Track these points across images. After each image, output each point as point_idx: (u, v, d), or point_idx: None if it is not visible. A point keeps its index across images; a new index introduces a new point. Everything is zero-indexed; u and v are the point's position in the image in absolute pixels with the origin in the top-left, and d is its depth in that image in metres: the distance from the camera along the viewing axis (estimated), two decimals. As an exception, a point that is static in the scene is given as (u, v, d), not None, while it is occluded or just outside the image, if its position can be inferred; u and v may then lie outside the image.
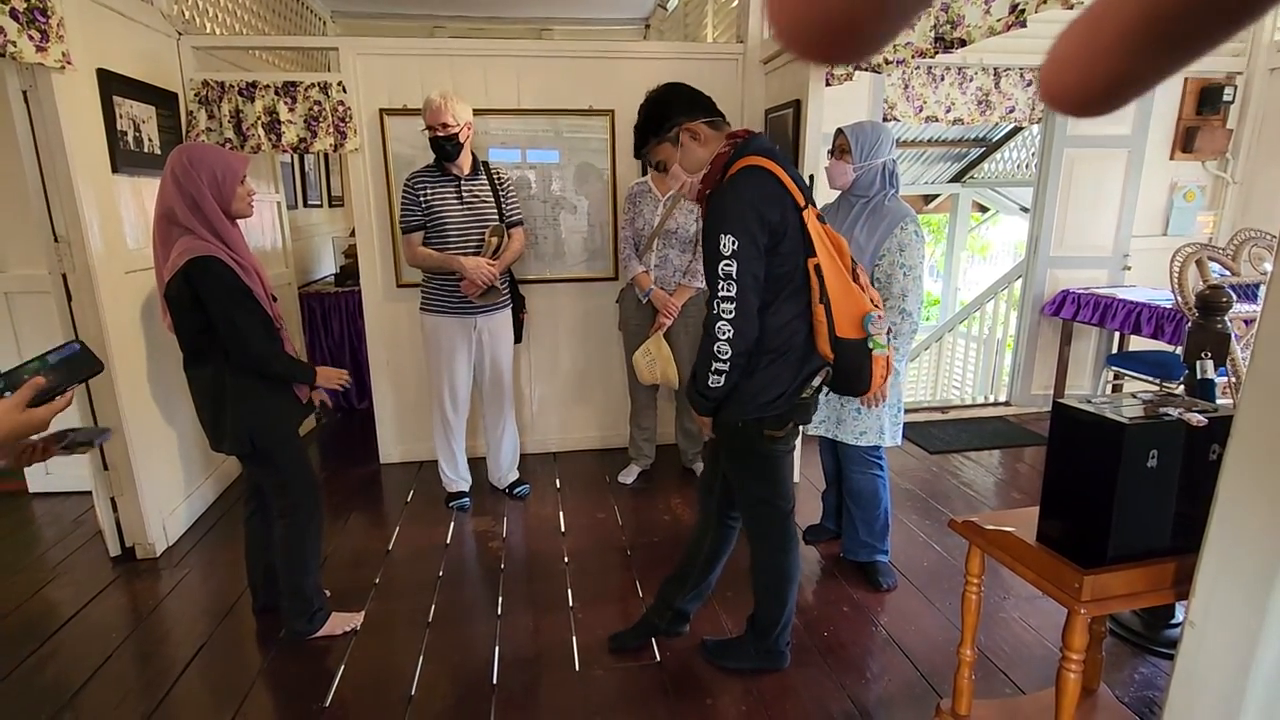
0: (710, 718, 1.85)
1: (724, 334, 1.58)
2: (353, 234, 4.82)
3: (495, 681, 2.00)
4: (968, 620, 1.55)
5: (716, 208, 1.59)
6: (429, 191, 2.73)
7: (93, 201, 2.39)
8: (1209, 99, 4.00)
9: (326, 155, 5.10)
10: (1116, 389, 4.13)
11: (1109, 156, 3.92)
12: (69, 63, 2.22)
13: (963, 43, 1.93)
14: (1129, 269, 4.09)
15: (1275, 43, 3.92)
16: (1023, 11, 1.67)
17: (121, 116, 2.56)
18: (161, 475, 2.77)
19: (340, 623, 2.23)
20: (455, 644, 2.17)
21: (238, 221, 1.96)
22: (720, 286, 1.56)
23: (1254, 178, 4.09)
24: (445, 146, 2.65)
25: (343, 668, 2.07)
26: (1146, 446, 1.19)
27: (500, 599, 2.41)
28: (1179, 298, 2.18)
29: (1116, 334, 4.04)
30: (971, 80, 3.79)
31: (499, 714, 1.87)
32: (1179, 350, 3.79)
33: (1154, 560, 1.24)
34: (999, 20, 1.79)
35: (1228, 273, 2.13)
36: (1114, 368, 3.90)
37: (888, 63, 2.30)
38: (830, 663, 2.05)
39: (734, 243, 1.54)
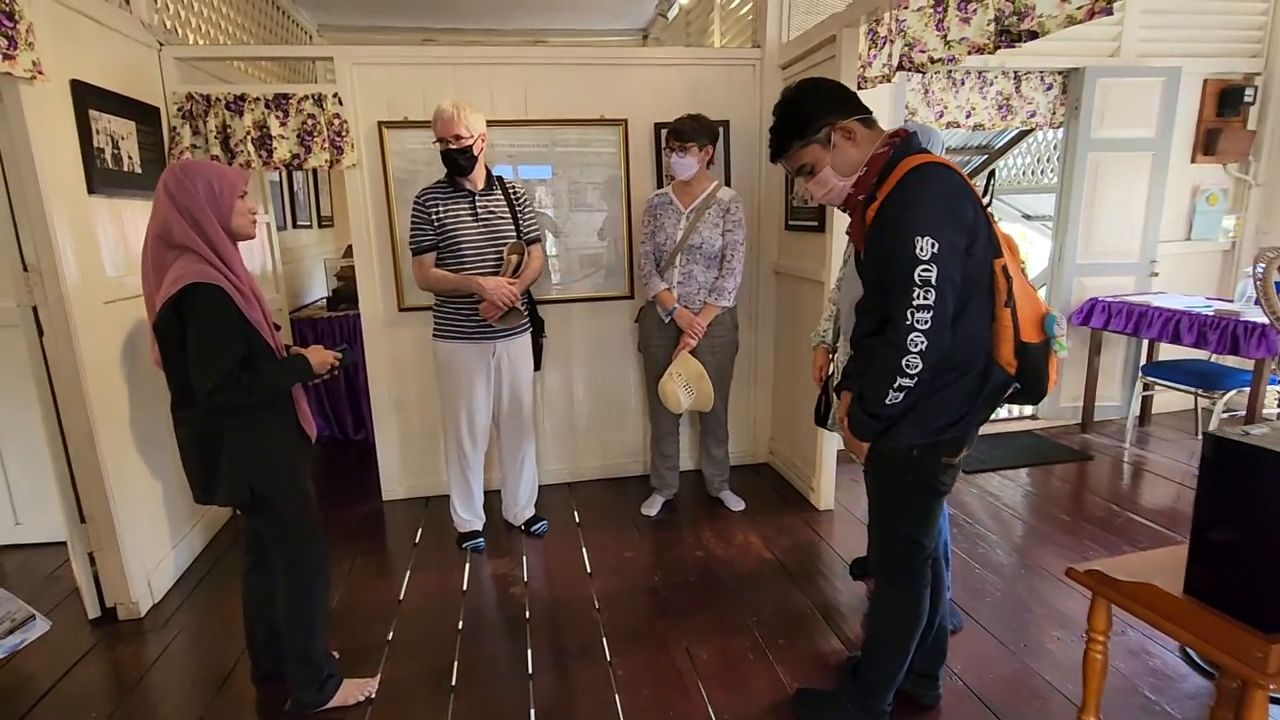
0: (785, 795, 1.63)
1: (917, 346, 1.39)
2: (346, 255, 4.60)
3: (535, 757, 1.77)
4: (1091, 684, 1.35)
5: (902, 208, 1.41)
6: (441, 209, 2.53)
7: (66, 226, 2.16)
8: (1229, 100, 3.91)
9: (316, 173, 4.87)
10: (1147, 400, 4.00)
11: (1133, 160, 3.81)
12: (40, 72, 2.00)
13: (1033, 35, 1.77)
14: (1156, 275, 3.97)
15: (1294, 42, 3.85)
16: (1115, -5, 1.51)
17: (98, 132, 2.33)
18: (145, 525, 2.51)
19: (354, 690, 1.99)
20: (485, 711, 1.94)
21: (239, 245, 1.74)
22: (915, 294, 1.38)
23: (1276, 179, 3.99)
24: (458, 160, 2.45)
25: (359, 746, 1.83)
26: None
27: (529, 654, 2.18)
28: (1265, 306, 2.02)
29: (1145, 343, 3.91)
30: (992, 84, 3.67)
31: (543, 799, 1.64)
32: (1213, 358, 3.67)
33: (1343, 620, 1.05)
34: (1079, 7, 1.62)
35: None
36: (1149, 377, 3.76)
37: (934, 61, 2.14)
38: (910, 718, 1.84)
39: (934, 245, 1.36)
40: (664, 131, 3.12)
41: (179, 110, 2.80)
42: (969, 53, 2.00)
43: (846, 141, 1.50)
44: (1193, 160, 4.00)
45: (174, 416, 1.76)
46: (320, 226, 4.91)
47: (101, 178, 2.33)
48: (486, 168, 2.61)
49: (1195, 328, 3.29)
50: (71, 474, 2.29)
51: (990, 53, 1.93)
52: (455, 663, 2.15)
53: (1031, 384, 1.55)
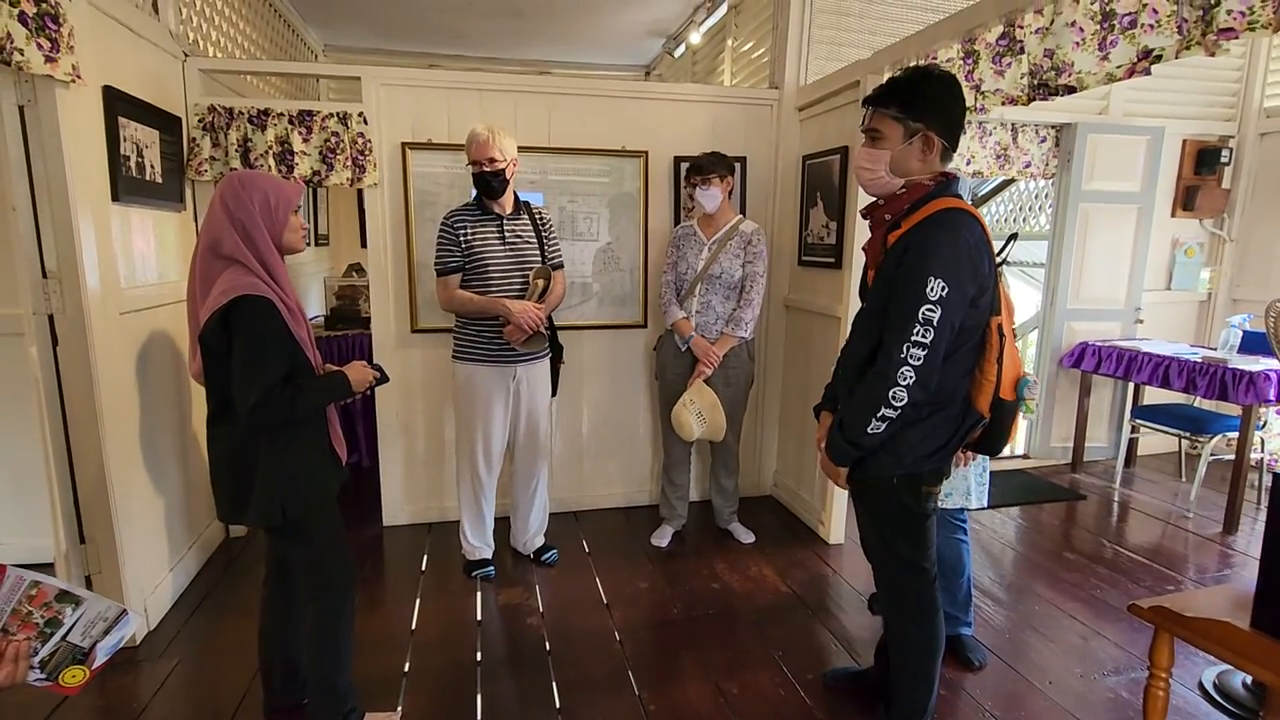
0: (835, 835, 1.60)
1: (905, 380, 1.45)
2: (346, 274, 4.54)
3: (574, 797, 1.71)
4: None
5: (925, 247, 1.46)
6: (470, 231, 2.52)
7: (90, 232, 2.09)
8: (1206, 160, 4.14)
9: (316, 192, 4.82)
10: (1133, 442, 4.13)
11: (1120, 212, 4.00)
12: (78, 77, 1.96)
13: (1070, 90, 1.86)
14: (1141, 322, 4.14)
15: (1264, 109, 4.11)
16: (1158, 58, 1.61)
17: (125, 140, 2.28)
18: (145, 545, 2.39)
19: (376, 725, 1.90)
20: (515, 748, 1.87)
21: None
22: (915, 331, 1.44)
23: (1248, 235, 4.23)
24: (491, 183, 2.45)
25: (386, 784, 1.74)
26: None
27: (554, 687, 2.12)
28: (1278, 353, 2.12)
29: (1132, 386, 4.05)
30: (991, 135, 3.83)
31: (589, 841, 1.58)
32: (1197, 402, 3.82)
33: None
34: (1120, 67, 1.72)
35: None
36: (1138, 420, 3.89)
37: (968, 109, 2.23)
38: (948, 759, 1.83)
39: (944, 289, 1.42)
40: (683, 165, 3.19)
41: (200, 122, 2.75)
42: (1002, 103, 2.09)
43: (921, 150, 1.53)
44: (1173, 214, 4.22)
45: (209, 432, 1.70)
46: (317, 245, 4.84)
47: (126, 186, 2.28)
48: (515, 193, 2.62)
49: (1184, 373, 3.43)
50: (75, 493, 2.18)
51: (1024, 104, 2.02)
52: (479, 695, 2.08)
53: (995, 436, 1.64)
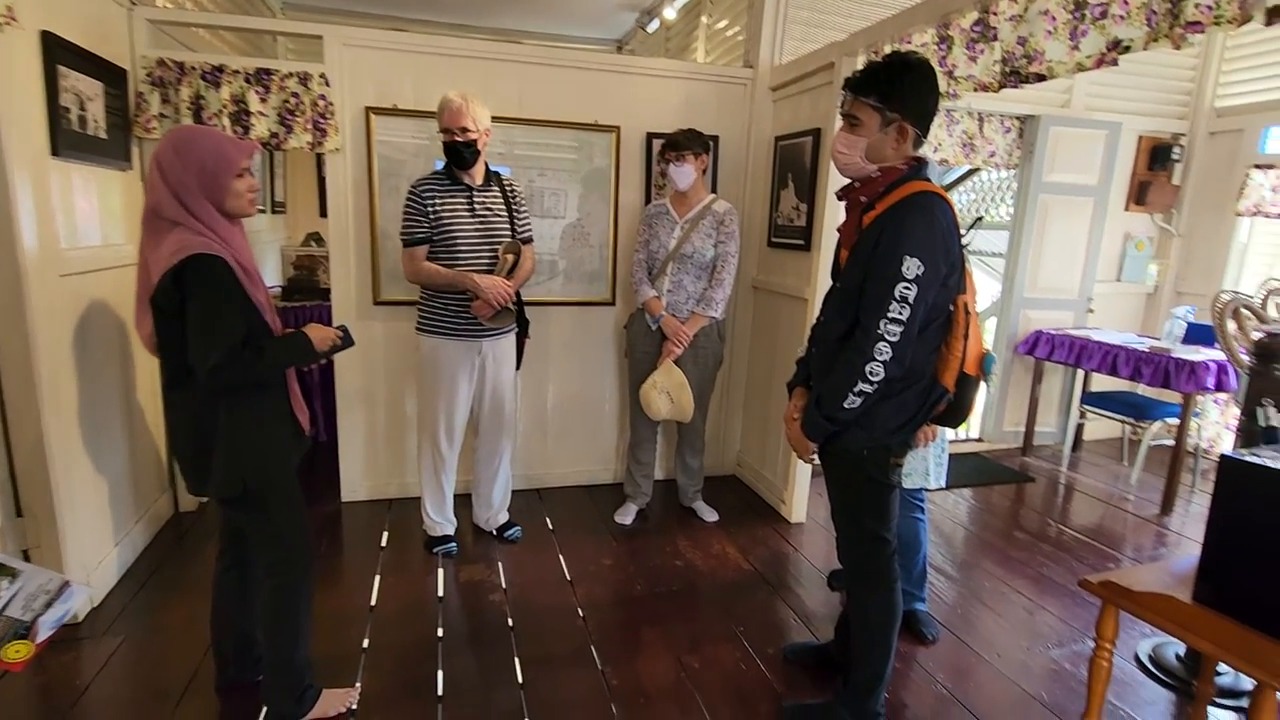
0: (793, 802, 1.64)
1: (882, 355, 1.51)
2: (305, 243, 4.39)
3: (536, 770, 1.71)
4: (1096, 689, 1.43)
5: (901, 228, 1.50)
6: (438, 202, 2.45)
7: (28, 190, 1.96)
8: (1159, 156, 4.28)
9: (272, 156, 4.63)
10: (1080, 428, 4.29)
11: (1077, 204, 4.11)
12: (13, 19, 1.82)
13: (1040, 78, 1.89)
14: (1093, 311, 4.28)
15: (1214, 109, 4.26)
16: (1127, 49, 1.64)
17: (65, 91, 2.14)
18: (88, 520, 2.29)
19: (334, 701, 1.87)
20: (477, 723, 1.86)
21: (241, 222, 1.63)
22: (891, 308, 1.49)
23: (1194, 231, 4.40)
24: (463, 153, 2.38)
25: (345, 760, 1.72)
26: (1346, 507, 1.11)
27: (517, 663, 2.11)
28: (1223, 346, 2.22)
29: (1081, 374, 4.20)
30: (958, 123, 3.89)
31: (551, 812, 1.59)
32: (1141, 390, 3.98)
33: (1339, 628, 1.15)
34: (1089, 57, 1.75)
35: (1254, 319, 2.19)
36: (1087, 406, 4.04)
37: (940, 95, 2.24)
38: (902, 728, 1.89)
39: (920, 267, 1.47)
40: (656, 142, 3.15)
41: (148, 76, 2.61)
42: (974, 90, 2.11)
43: (896, 139, 1.57)
44: (1126, 208, 4.36)
45: (166, 398, 1.63)
46: (274, 212, 4.66)
47: (67, 140, 2.14)
48: (485, 164, 2.55)
49: (1132, 362, 3.57)
50: (11, 464, 2.07)
51: (995, 91, 2.04)
52: (440, 672, 2.06)
53: (958, 410, 1.70)
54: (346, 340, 1.80)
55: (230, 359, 1.50)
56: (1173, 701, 2.07)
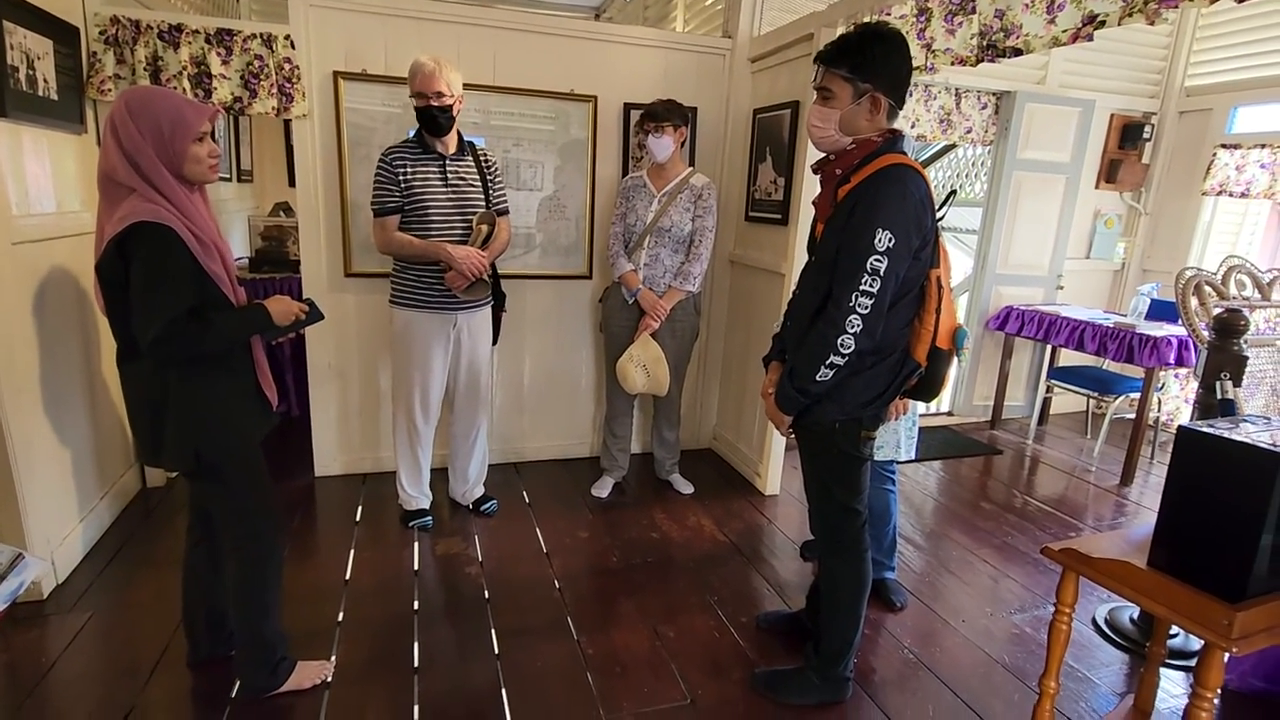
0: (763, 764, 1.68)
1: (853, 328, 1.52)
2: (273, 213, 4.27)
3: (513, 737, 1.73)
4: (1055, 651, 1.48)
5: (874, 200, 1.50)
6: (410, 170, 2.39)
7: (-26, 151, 1.87)
8: (1130, 135, 4.34)
9: (238, 122, 4.48)
10: (1047, 401, 4.39)
11: (1050, 181, 4.15)
12: (-48, -31, 1.72)
13: (1017, 52, 1.90)
14: (1062, 288, 4.36)
15: (1185, 88, 4.31)
16: (1102, 23, 1.64)
17: (12, 48, 2.04)
18: (50, 495, 2.24)
19: (309, 673, 1.87)
20: (454, 692, 1.87)
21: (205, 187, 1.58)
22: (863, 281, 1.50)
23: (1161, 209, 4.48)
24: (438, 119, 2.32)
25: (321, 731, 1.72)
26: (1294, 476, 1.15)
27: (494, 634, 2.13)
28: (1185, 321, 2.27)
29: (1049, 349, 4.29)
30: (935, 99, 3.89)
31: (527, 778, 1.61)
32: (1105, 365, 4.08)
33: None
34: (1065, 31, 1.75)
35: (1215, 295, 2.25)
36: (1054, 381, 4.13)
37: (917, 69, 2.24)
38: (870, 691, 1.95)
39: (891, 240, 1.48)
40: (634, 113, 3.11)
41: (101, 34, 2.49)
42: (951, 63, 2.11)
43: (869, 110, 1.57)
44: (1096, 186, 4.42)
45: (120, 370, 1.59)
46: (240, 181, 4.52)
47: (15, 100, 2.04)
48: (459, 132, 2.50)
49: (1097, 337, 3.65)
50: (-33, 437, 2.01)
51: (973, 65, 2.04)
52: (416, 644, 2.06)
53: (930, 384, 1.72)
54: (313, 314, 1.76)
55: (171, 331, 1.45)
56: (1126, 662, 2.16)
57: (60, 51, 2.31)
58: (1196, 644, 2.17)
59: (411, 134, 2.48)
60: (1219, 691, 1.22)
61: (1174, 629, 2.21)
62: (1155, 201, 4.49)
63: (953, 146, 6.07)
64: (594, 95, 3.11)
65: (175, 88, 2.55)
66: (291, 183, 3.80)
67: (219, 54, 2.60)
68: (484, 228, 2.45)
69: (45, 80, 2.23)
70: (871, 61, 1.54)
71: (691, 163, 3.29)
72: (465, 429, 2.79)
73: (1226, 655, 1.17)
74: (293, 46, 2.67)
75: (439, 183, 2.43)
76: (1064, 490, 3.49)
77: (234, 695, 1.81)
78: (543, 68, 3.03)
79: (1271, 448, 1.15)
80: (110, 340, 2.31)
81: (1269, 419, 1.35)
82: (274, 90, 2.68)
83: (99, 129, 2.58)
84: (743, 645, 2.13)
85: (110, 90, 2.52)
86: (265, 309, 1.65)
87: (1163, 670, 1.99)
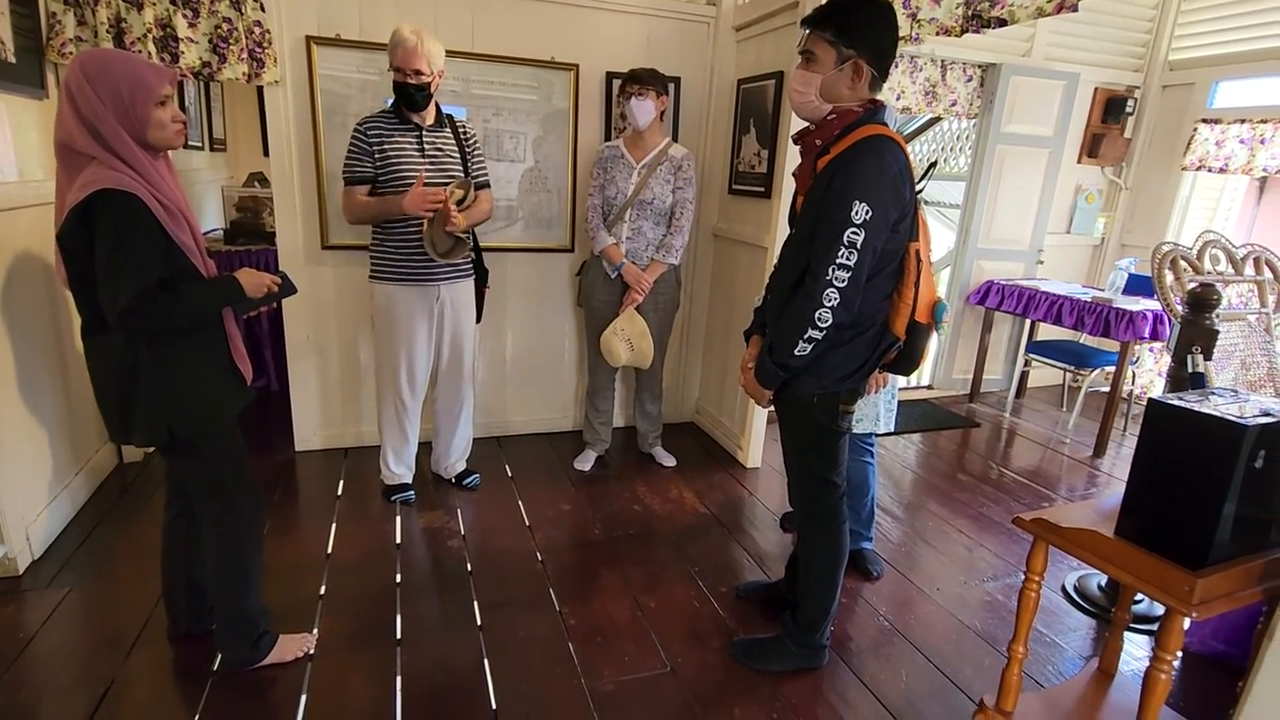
0: (741, 728, 1.72)
1: (830, 301, 1.52)
2: (248, 184, 4.18)
3: (495, 705, 1.75)
4: (1024, 618, 1.52)
5: (852, 172, 1.49)
6: (385, 141, 2.34)
7: (-72, 116, 1.80)
8: (1113, 109, 4.34)
9: (209, 88, 4.34)
10: (1025, 375, 4.46)
11: (1033, 155, 4.16)
12: (-105, -79, 1.63)
13: (1001, 23, 1.88)
14: (1042, 263, 4.39)
15: (1168, 61, 4.31)
16: (1086, -6, 1.63)
17: (-36, 7, 1.95)
18: (22, 470, 2.21)
19: (291, 646, 1.88)
20: (437, 663, 1.89)
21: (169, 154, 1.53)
22: (840, 253, 1.49)
23: (1141, 184, 4.51)
24: (415, 97, 2.28)
25: (304, 700, 1.74)
26: (1258, 447, 1.18)
27: (476, 606, 2.15)
28: (1160, 295, 2.30)
29: (1027, 323, 4.33)
30: (921, 70, 3.86)
31: (509, 745, 1.64)
32: (1083, 339, 4.14)
33: (1243, 559, 1.24)
34: (1050, 1, 1.74)
35: (1190, 270, 2.28)
36: (1031, 355, 4.19)
37: (902, 39, 2.21)
38: (846, 658, 1.99)
39: (868, 212, 1.47)
40: (616, 82, 3.05)
41: (60, -7, 2.39)
42: (936, 33, 2.09)
43: (851, 77, 1.54)
44: (1079, 160, 4.43)
45: (85, 343, 1.55)
46: (213, 150, 4.40)
47: (-30, 63, 1.96)
48: (437, 105, 2.44)
49: (1075, 311, 3.69)
50: (-67, 412, 1.97)
51: (957, 35, 2.02)
52: (399, 616, 2.08)
53: (908, 357, 1.73)
54: (286, 288, 1.73)
55: (140, 303, 1.41)
56: (1093, 628, 2.22)
57: (17, 12, 2.22)
58: (1160, 609, 2.24)
59: (389, 103, 2.43)
60: (1179, 654, 1.26)
61: (1139, 595, 2.28)
62: (1135, 176, 4.51)
63: (938, 120, 6.05)
64: (575, 63, 3.05)
65: (140, 51, 2.46)
66: (266, 152, 3.71)
67: (185, 15, 2.51)
68: (460, 192, 2.39)
69: (2, 42, 2.14)
70: (857, 26, 1.52)
71: (675, 134, 3.25)
72: (449, 404, 2.78)
73: (1187, 620, 1.21)
74: (263, 9, 2.59)
75: (415, 154, 2.38)
76: (1039, 462, 3.56)
77: (215, 668, 1.81)
78: (523, 34, 2.96)
79: (1236, 420, 1.17)
80: (78, 314, 2.25)
81: (1236, 392, 1.38)
82: (244, 55, 2.60)
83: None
84: (722, 615, 2.17)
85: (71, 53, 2.42)
86: (237, 281, 1.62)
87: (1127, 635, 2.05)
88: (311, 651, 1.90)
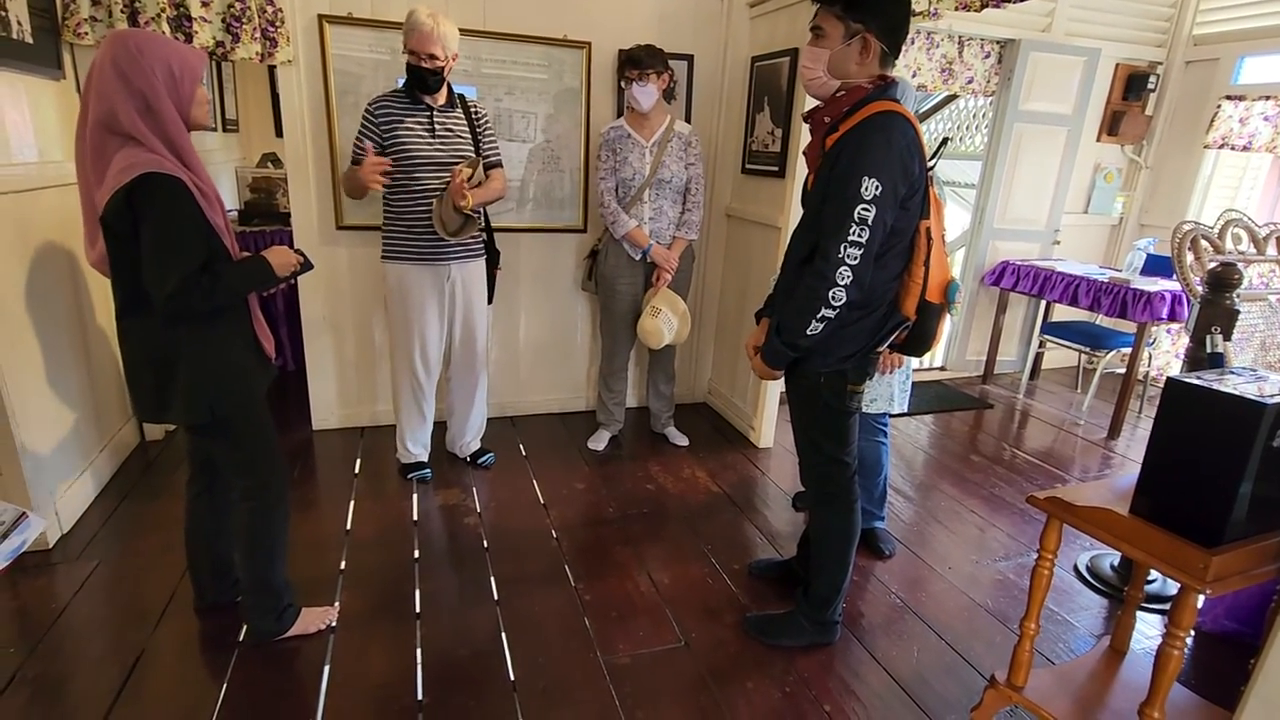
0: (754, 701, 1.75)
1: (844, 280, 1.50)
2: (261, 164, 4.19)
3: (513, 677, 1.79)
4: (1036, 595, 1.53)
5: (859, 148, 1.47)
6: (396, 121, 2.34)
7: (-49, 98, 1.82)
8: (1134, 85, 4.26)
9: (221, 68, 4.34)
10: (1039, 357, 4.43)
11: (1051, 134, 4.09)
12: (-86, -99, 1.64)
13: (1022, -2, 1.84)
14: (1059, 243, 4.34)
15: (1193, 36, 4.22)
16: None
17: (-18, -12, 1.96)
18: (50, 446, 2.26)
19: (314, 619, 1.92)
20: (455, 636, 1.93)
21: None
22: (851, 231, 1.48)
23: (1162, 163, 4.43)
24: (428, 80, 2.28)
25: (328, 670, 1.78)
26: (1276, 427, 1.17)
27: (493, 581, 2.18)
28: (1180, 275, 2.28)
29: (1043, 305, 4.30)
30: (938, 47, 3.80)
31: (528, 715, 1.68)
32: (1099, 320, 4.10)
33: (1258, 538, 1.24)
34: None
35: (1211, 249, 2.25)
36: (1046, 336, 4.16)
37: (918, 14, 2.19)
38: (858, 634, 2.02)
39: (878, 188, 1.45)
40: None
41: (75, -27, 2.39)
42: (955, 8, 2.06)
43: (859, 53, 1.52)
44: (1098, 139, 4.36)
45: (120, 325, 1.57)
46: (225, 130, 4.41)
47: (-10, 43, 1.98)
48: (449, 84, 2.43)
49: (1092, 292, 3.66)
50: (-37, 390, 2.01)
51: (977, 10, 1.99)
52: (417, 590, 2.12)
53: (920, 337, 1.71)
54: (307, 264, 1.76)
55: (187, 286, 1.45)
56: (1105, 607, 2.24)
57: (34, -8, 2.22)
58: (1173, 588, 2.25)
59: (400, 83, 2.42)
60: (1192, 632, 1.27)
61: (1152, 574, 2.28)
62: (1156, 155, 4.44)
63: (954, 97, 5.96)
64: (588, 41, 3.02)
65: (154, 30, 2.47)
66: (279, 133, 3.72)
67: (199, -5, 2.50)
68: (469, 170, 2.38)
69: (19, 22, 2.15)
70: (865, 0, 1.50)
71: (688, 113, 3.23)
72: (463, 383, 2.80)
73: (1201, 598, 1.22)
74: (275, -12, 2.58)
75: (426, 134, 2.38)
76: (1052, 444, 3.55)
77: (241, 639, 1.86)
78: (535, 12, 2.94)
79: (1256, 398, 1.17)
80: (102, 292, 2.29)
81: (1255, 370, 1.37)
82: (257, 34, 2.60)
83: (78, 75, 2.50)
84: (735, 591, 2.19)
85: (87, 34, 2.43)
86: (267, 260, 1.65)
87: (1139, 613, 2.05)
88: (334, 624, 1.95)
